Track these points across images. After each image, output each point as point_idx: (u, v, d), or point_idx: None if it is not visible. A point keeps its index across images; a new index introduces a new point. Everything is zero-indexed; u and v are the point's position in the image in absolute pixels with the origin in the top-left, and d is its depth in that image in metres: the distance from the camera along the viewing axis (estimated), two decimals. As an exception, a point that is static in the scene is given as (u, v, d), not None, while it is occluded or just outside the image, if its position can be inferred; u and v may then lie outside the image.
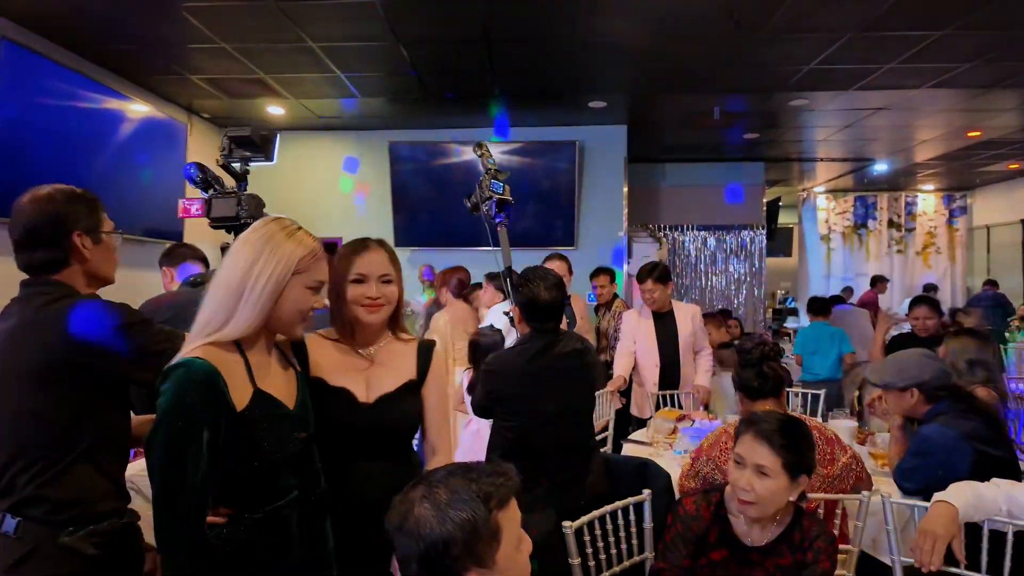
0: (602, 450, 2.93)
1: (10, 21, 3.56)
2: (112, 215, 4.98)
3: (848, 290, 8.10)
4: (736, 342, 3.73)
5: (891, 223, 9.25)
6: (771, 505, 1.44)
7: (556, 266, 4.03)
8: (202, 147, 5.56)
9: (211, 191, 2.12)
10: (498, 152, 5.69)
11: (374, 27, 3.70)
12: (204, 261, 2.80)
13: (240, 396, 1.18)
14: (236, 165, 2.17)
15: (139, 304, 2.50)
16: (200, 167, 2.07)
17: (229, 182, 2.37)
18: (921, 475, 1.88)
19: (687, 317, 3.66)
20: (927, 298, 3.93)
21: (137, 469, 2.22)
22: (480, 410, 2.18)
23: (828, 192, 9.25)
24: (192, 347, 1.17)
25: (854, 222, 9.26)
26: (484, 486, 0.93)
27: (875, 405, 2.55)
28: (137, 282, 4.75)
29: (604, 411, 3.52)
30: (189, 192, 5.22)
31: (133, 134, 4.46)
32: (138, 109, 4.53)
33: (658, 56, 4.20)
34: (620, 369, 3.68)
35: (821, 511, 1.74)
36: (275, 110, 5.29)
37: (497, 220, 2.97)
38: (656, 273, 3.61)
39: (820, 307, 4.93)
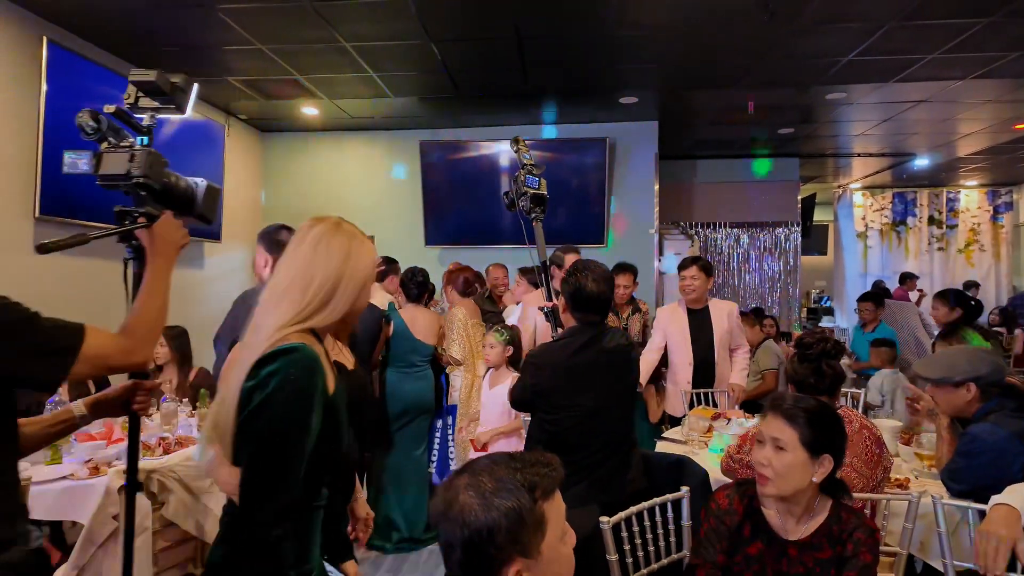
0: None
1: (55, 25, 3.68)
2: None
3: (880, 284, 7.83)
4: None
5: (932, 220, 8.97)
6: (788, 482, 1.40)
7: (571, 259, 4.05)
8: (240, 148, 5.68)
9: (105, 144, 1.66)
10: (531, 148, 5.68)
11: (407, 26, 3.72)
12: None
13: (328, 384, 1.18)
14: (143, 117, 1.67)
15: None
16: (94, 115, 1.64)
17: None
18: (970, 476, 1.82)
19: (723, 314, 3.61)
20: (944, 291, 4.28)
21: (179, 459, 2.28)
22: (520, 404, 2.16)
23: (865, 188, 9.02)
24: (285, 332, 1.15)
25: (892, 219, 9.00)
26: (529, 475, 0.92)
27: (918, 404, 2.47)
28: (177, 279, 4.86)
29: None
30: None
31: (172, 136, 4.57)
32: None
33: (690, 50, 4.14)
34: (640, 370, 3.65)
35: (868, 511, 1.69)
36: (309, 110, 5.37)
37: (531, 215, 2.99)
38: (701, 262, 3.59)
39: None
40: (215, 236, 5.09)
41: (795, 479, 1.40)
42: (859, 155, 7.22)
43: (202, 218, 1.54)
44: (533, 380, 2.07)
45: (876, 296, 5.16)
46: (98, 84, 3.89)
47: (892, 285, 8.12)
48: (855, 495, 1.53)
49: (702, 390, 3.53)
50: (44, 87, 3.47)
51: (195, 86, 1.62)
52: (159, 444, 2.48)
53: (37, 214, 3.51)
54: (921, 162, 7.38)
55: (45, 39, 3.48)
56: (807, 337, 1.97)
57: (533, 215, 2.91)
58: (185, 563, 2.26)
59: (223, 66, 4.38)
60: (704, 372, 3.56)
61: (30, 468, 2.26)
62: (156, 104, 1.64)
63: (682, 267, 3.62)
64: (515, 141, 3.06)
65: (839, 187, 8.94)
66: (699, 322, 3.61)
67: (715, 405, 3.47)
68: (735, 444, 2.00)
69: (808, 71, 4.54)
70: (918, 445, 2.44)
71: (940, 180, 8.67)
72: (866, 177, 8.42)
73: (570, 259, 4.16)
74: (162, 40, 3.96)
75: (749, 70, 4.50)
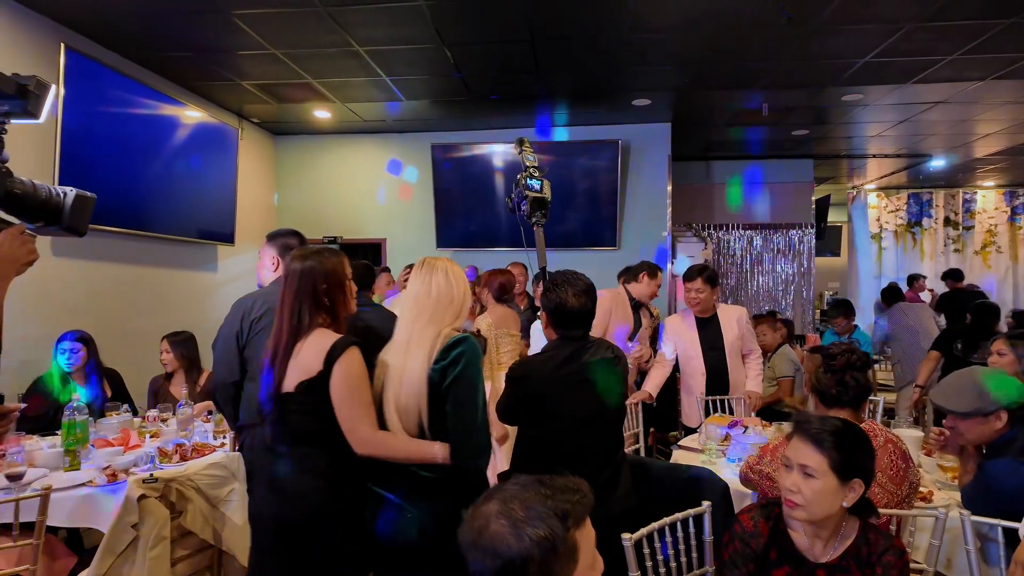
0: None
1: (73, 31, 3.71)
2: (167, 218, 5.15)
3: (893, 286, 7.72)
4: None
5: (947, 221, 8.85)
6: (818, 508, 1.37)
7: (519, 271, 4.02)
8: (253, 151, 5.70)
9: None
10: (540, 152, 5.66)
11: (420, 30, 3.72)
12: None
13: None
14: None
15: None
16: None
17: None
18: (987, 509, 1.74)
19: (732, 320, 3.55)
20: None
21: (198, 467, 2.28)
22: (505, 414, 2.09)
23: (880, 189, 8.92)
24: (451, 327, 1.73)
25: (907, 220, 8.89)
26: (561, 503, 0.90)
27: (942, 439, 2.25)
28: (193, 282, 4.92)
29: (631, 423, 3.46)
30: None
31: (187, 139, 4.59)
32: (192, 115, 4.66)
33: (705, 51, 4.11)
34: (650, 384, 3.61)
35: (893, 528, 1.66)
36: (322, 114, 5.37)
37: (532, 220, 2.85)
38: (707, 273, 3.53)
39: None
40: (228, 239, 5.11)
41: (826, 505, 1.37)
42: (874, 156, 7.15)
43: (71, 230, 1.38)
44: (519, 391, 2.00)
45: (846, 306, 5.03)
46: (114, 89, 3.91)
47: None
48: (881, 511, 1.50)
49: (717, 397, 3.49)
50: (62, 91, 3.49)
51: (51, 89, 1.39)
52: (176, 451, 2.49)
53: (54, 219, 3.53)
54: (937, 163, 7.29)
55: (63, 45, 3.51)
56: (833, 347, 1.92)
57: (533, 220, 2.78)
58: (202, 572, 2.27)
59: (237, 70, 4.39)
60: (717, 380, 3.53)
61: (50, 475, 2.27)
62: (5, 108, 1.45)
63: (687, 278, 3.56)
64: (519, 142, 2.94)
65: (853, 188, 8.85)
66: (709, 331, 3.55)
67: (731, 412, 3.44)
68: (755, 455, 1.97)
69: (824, 72, 4.49)
70: (941, 456, 2.40)
71: (956, 181, 8.56)
72: (881, 178, 8.33)
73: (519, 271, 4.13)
74: (177, 45, 3.97)
75: (764, 72, 4.46)
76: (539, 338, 3.61)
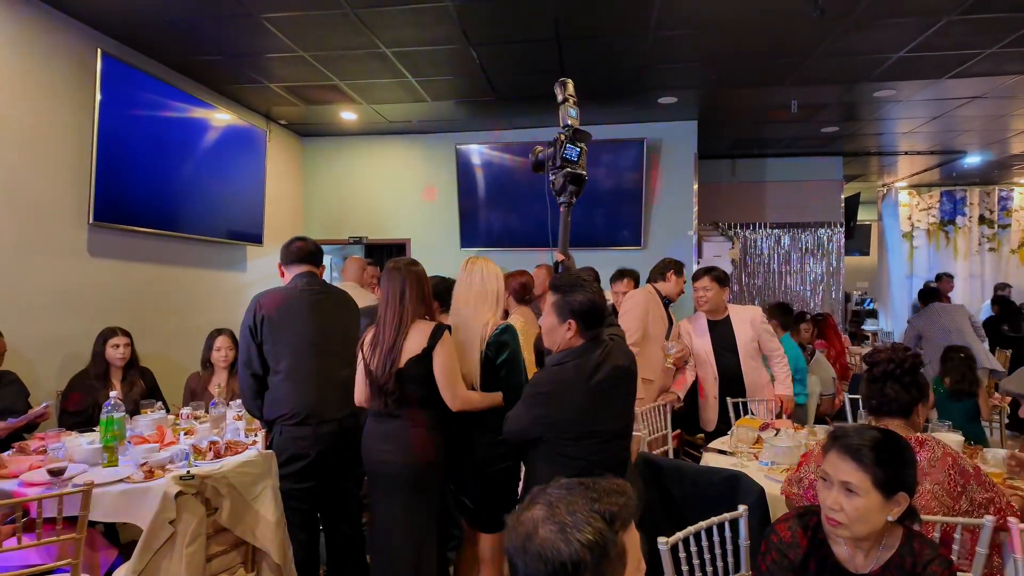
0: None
1: (109, 37, 3.79)
2: (198, 219, 5.24)
3: (929, 285, 7.52)
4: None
5: (982, 219, 8.62)
6: (863, 525, 1.32)
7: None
8: (281, 152, 5.77)
9: None
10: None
11: (446, 30, 3.73)
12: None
13: None
14: None
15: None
16: None
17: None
18: None
19: (745, 322, 3.47)
20: None
21: (232, 465, 2.31)
22: (521, 435, 1.95)
23: (911, 187, 8.72)
24: (495, 319, 2.33)
25: (940, 218, 8.68)
26: (608, 506, 0.89)
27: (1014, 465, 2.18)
28: (223, 282, 5.00)
29: (659, 424, 3.43)
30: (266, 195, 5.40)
31: (217, 141, 4.66)
32: (221, 117, 4.74)
33: (734, 49, 4.06)
34: (677, 386, 3.58)
35: (937, 535, 1.62)
36: (348, 115, 5.42)
37: (560, 199, 2.48)
38: (715, 272, 3.47)
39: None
40: (257, 240, 5.18)
41: (872, 522, 1.32)
42: (906, 153, 6.99)
43: None
44: (543, 411, 1.88)
45: (784, 310, 4.48)
46: (147, 93, 3.99)
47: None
48: (927, 517, 1.46)
49: (739, 399, 3.43)
50: (98, 97, 3.57)
51: None
52: (210, 448, 2.52)
53: (91, 220, 3.62)
54: (972, 160, 7.10)
55: (99, 51, 3.58)
56: (877, 354, 1.82)
57: (562, 200, 2.43)
58: (236, 567, 2.30)
59: (265, 73, 4.45)
60: (731, 383, 3.46)
61: (90, 471, 2.32)
62: None
63: (694, 278, 3.51)
64: (562, 85, 2.49)
65: (884, 186, 8.67)
66: (721, 333, 3.48)
67: (751, 414, 3.38)
68: (794, 472, 1.90)
69: (857, 68, 4.40)
70: (983, 461, 2.34)
71: (991, 178, 8.34)
72: (912, 175, 8.15)
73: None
74: (208, 49, 4.04)
75: (794, 68, 4.39)
76: None
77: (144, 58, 4.09)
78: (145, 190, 3.99)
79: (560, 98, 2.47)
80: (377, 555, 2.35)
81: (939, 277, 7.35)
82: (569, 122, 2.44)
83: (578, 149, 2.43)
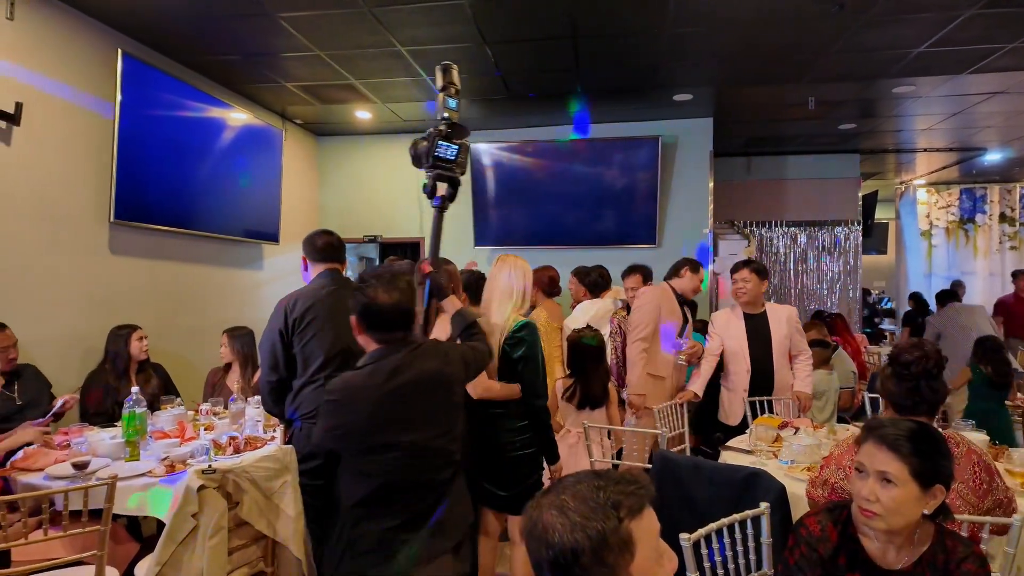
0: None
1: (129, 38, 3.83)
2: (215, 217, 5.28)
3: (959, 284, 7.42)
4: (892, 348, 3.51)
5: (1003, 217, 8.48)
6: (899, 517, 1.30)
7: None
8: (297, 151, 5.81)
9: None
10: (578, 149, 5.63)
11: (461, 28, 3.73)
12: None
13: None
14: None
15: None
16: None
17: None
18: None
19: (781, 319, 3.49)
20: None
21: (252, 460, 2.34)
22: (319, 449, 1.83)
23: (930, 184, 8.61)
24: (517, 313, 2.43)
25: (960, 216, 8.55)
26: (613, 494, 0.89)
27: None
28: (239, 280, 5.04)
29: (677, 422, 3.42)
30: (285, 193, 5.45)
31: (234, 140, 4.70)
32: (238, 116, 4.78)
33: (750, 45, 4.03)
34: (696, 383, 3.57)
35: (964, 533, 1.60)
36: (363, 114, 5.45)
37: (435, 202, 2.21)
38: (754, 264, 3.50)
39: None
40: (273, 238, 5.22)
41: (907, 514, 1.30)
42: (925, 150, 6.91)
43: None
44: (334, 421, 1.67)
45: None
46: (166, 93, 4.03)
47: (968, 285, 7.73)
48: (956, 517, 1.44)
49: (762, 398, 3.41)
50: (119, 97, 3.61)
51: None
52: (229, 443, 2.55)
53: (112, 219, 3.67)
54: (992, 157, 7.00)
55: (120, 51, 3.63)
56: (906, 354, 1.78)
57: (435, 204, 2.18)
58: (257, 561, 2.32)
59: (282, 72, 4.48)
60: (762, 379, 3.46)
61: (112, 465, 2.35)
62: None
63: (733, 270, 3.54)
64: (444, 70, 2.12)
65: (901, 183, 8.57)
66: (756, 327, 3.50)
67: (773, 413, 3.36)
68: (816, 475, 1.88)
69: (875, 64, 4.35)
70: (1008, 460, 2.30)
71: (1013, 175, 8.21)
72: (931, 173, 8.04)
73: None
74: (225, 48, 4.07)
75: (812, 65, 4.35)
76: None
77: (163, 58, 4.14)
78: (164, 189, 4.03)
79: (440, 84, 2.11)
80: None
81: (955, 284, 7.30)
82: (446, 114, 2.10)
83: (456, 147, 2.12)
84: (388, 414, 1.64)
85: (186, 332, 4.36)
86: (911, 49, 4.05)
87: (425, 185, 2.17)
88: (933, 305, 6.67)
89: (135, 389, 2.61)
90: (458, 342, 2.10)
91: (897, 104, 5.25)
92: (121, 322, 3.44)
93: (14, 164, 3.18)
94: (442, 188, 2.18)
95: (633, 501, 0.91)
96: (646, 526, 0.92)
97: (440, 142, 2.09)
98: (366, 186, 6.17)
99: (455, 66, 2.14)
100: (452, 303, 2.22)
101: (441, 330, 2.36)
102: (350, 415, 1.65)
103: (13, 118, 3.12)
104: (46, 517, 1.94)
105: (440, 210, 2.20)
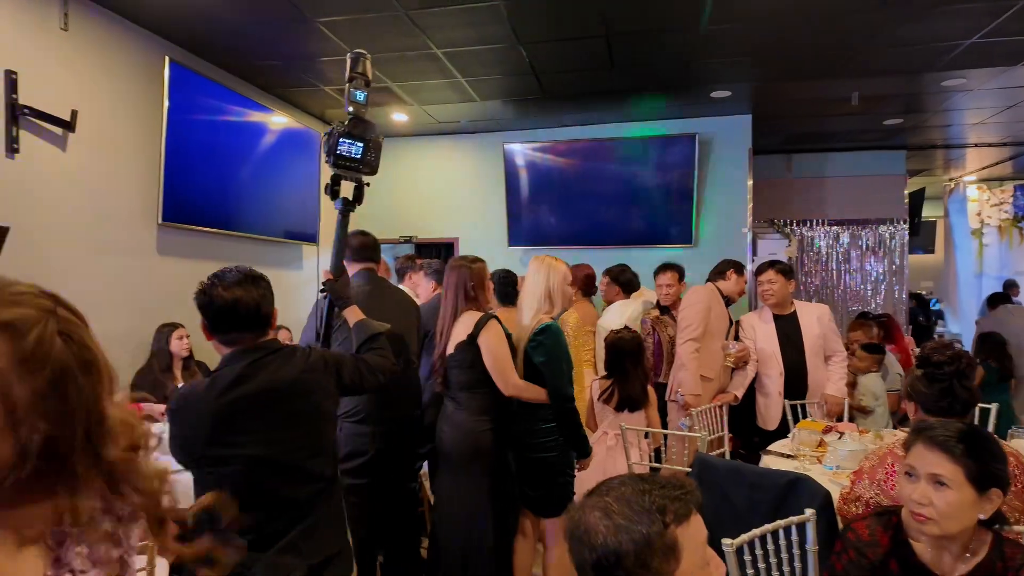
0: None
1: (175, 45, 3.96)
2: (256, 218, 5.39)
3: (1012, 285, 7.12)
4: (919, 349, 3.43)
5: (1060, 214, 8.11)
6: (953, 522, 1.25)
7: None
8: (331, 154, 5.91)
9: None
10: (612, 148, 5.59)
11: (496, 29, 3.74)
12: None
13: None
14: None
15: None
16: None
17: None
18: None
19: (812, 318, 3.40)
20: None
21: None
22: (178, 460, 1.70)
23: (981, 181, 8.28)
24: (541, 316, 2.52)
25: (1013, 214, 8.20)
26: (658, 498, 0.88)
27: None
28: (279, 281, 5.15)
29: (716, 426, 3.36)
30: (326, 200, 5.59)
31: (274, 143, 4.81)
32: (278, 120, 4.89)
33: (791, 40, 3.93)
34: (736, 385, 3.50)
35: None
36: (399, 117, 5.51)
37: (337, 205, 2.05)
38: (780, 265, 3.43)
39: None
40: (312, 239, 5.32)
41: (962, 519, 1.26)
42: (975, 146, 6.64)
43: None
44: (173, 431, 1.58)
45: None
46: (210, 98, 4.15)
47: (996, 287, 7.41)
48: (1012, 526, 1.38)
49: (796, 401, 3.33)
50: (166, 103, 3.73)
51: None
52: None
53: (160, 221, 3.79)
54: (1049, 151, 6.69)
55: (167, 59, 3.75)
56: (937, 354, 1.73)
57: (338, 206, 2.02)
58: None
59: (320, 76, 4.56)
60: (795, 381, 3.37)
61: (161, 459, 2.43)
62: None
63: (759, 272, 3.49)
64: (354, 60, 1.93)
65: (951, 180, 8.25)
66: (787, 328, 3.42)
67: (806, 416, 3.28)
68: (848, 491, 1.82)
69: (923, 57, 4.20)
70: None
71: (1071, 170, 7.84)
72: (982, 169, 7.73)
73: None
74: (266, 54, 4.17)
75: (855, 59, 4.23)
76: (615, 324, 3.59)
77: (207, 64, 4.26)
78: (208, 191, 4.15)
79: (347, 75, 1.94)
80: (435, 523, 2.57)
81: (1007, 285, 7.00)
82: (351, 108, 1.93)
83: (361, 145, 1.94)
84: (227, 425, 1.51)
85: (229, 331, 4.47)
86: (961, 41, 3.90)
87: (327, 186, 2.02)
88: (977, 306, 6.43)
89: (179, 385, 2.70)
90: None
91: (946, 98, 5.06)
92: (169, 320, 3.55)
93: (70, 169, 3.32)
94: (348, 189, 2.00)
95: (679, 506, 0.90)
96: (692, 533, 0.91)
97: (341, 139, 1.92)
98: (402, 187, 6.23)
99: (367, 56, 1.99)
100: (353, 313, 2.04)
101: (458, 332, 2.45)
102: (185, 426, 1.56)
103: (69, 125, 3.25)
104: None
105: (343, 213, 2.03)
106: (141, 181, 3.74)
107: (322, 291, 2.04)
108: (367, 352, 1.90)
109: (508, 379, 2.40)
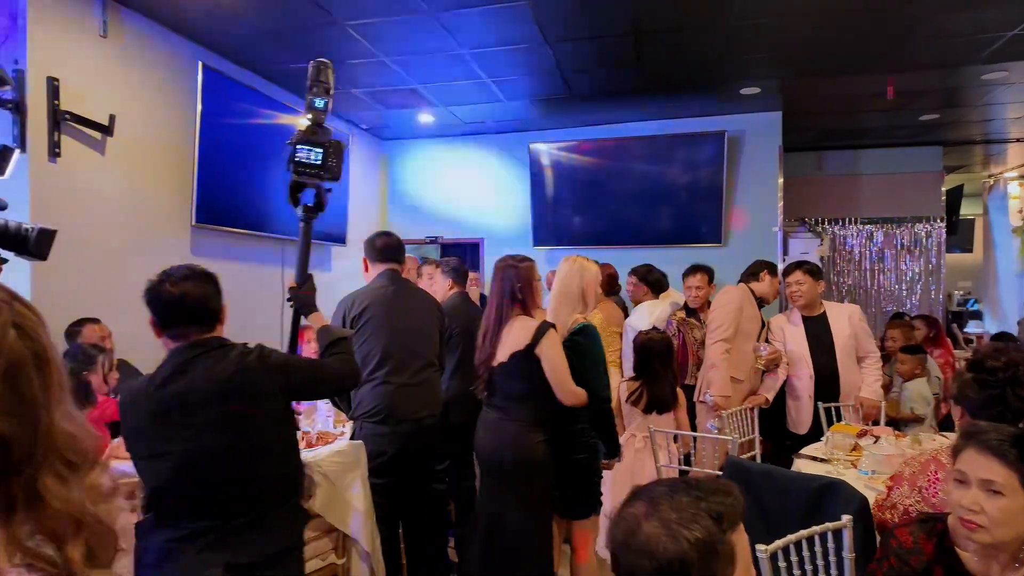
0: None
1: (207, 49, 4.04)
2: (286, 220, 5.44)
3: None
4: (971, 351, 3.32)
5: (1107, 212, 7.80)
6: (1007, 529, 1.21)
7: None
8: (362, 156, 5.98)
9: None
10: (641, 147, 5.54)
11: (523, 30, 3.74)
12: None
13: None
14: None
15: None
16: None
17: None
18: None
19: (843, 318, 3.33)
20: None
21: (326, 454, 2.41)
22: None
23: (1022, 178, 8.01)
24: (576, 316, 2.46)
25: (1057, 211, 7.92)
26: (714, 505, 0.87)
27: None
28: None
29: (746, 428, 3.30)
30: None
31: (303, 146, 4.86)
32: (306, 123, 4.93)
33: (821, 34, 3.85)
34: (767, 387, 3.44)
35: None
36: (426, 118, 5.54)
37: (298, 213, 2.04)
38: (807, 266, 3.36)
39: None
40: (341, 240, 5.38)
41: (1016, 526, 1.22)
42: (1017, 141, 6.43)
43: (35, 256, 1.58)
44: (123, 424, 1.65)
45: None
46: (241, 102, 4.22)
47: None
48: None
49: (830, 404, 3.26)
50: (199, 107, 3.81)
51: (15, 152, 1.52)
52: (302, 438, 2.64)
53: (193, 222, 3.87)
54: (1096, 146, 6.44)
55: (200, 63, 3.82)
56: (991, 359, 1.66)
57: (300, 215, 1.99)
58: (328, 552, 2.40)
59: (348, 79, 4.61)
60: (827, 383, 3.30)
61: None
62: None
63: (786, 273, 3.43)
64: (317, 68, 1.95)
65: (990, 177, 8.00)
66: (817, 329, 3.35)
67: (840, 419, 3.21)
68: (884, 497, 1.76)
69: (961, 50, 4.08)
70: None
71: (1119, 166, 7.54)
72: (1023, 165, 7.48)
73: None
74: (296, 57, 4.22)
75: (889, 53, 4.12)
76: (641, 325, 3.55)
77: (238, 68, 4.33)
78: (239, 193, 4.23)
79: (308, 82, 1.96)
80: (484, 536, 2.45)
81: None
82: (310, 115, 1.95)
83: (320, 151, 1.93)
84: (163, 420, 1.53)
85: (261, 330, 4.54)
86: (1004, 32, 3.78)
87: (289, 192, 2.02)
88: (1018, 307, 6.21)
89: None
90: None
91: (986, 92, 4.91)
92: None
93: (108, 173, 3.41)
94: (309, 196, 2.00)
95: (733, 513, 0.89)
96: (742, 539, 0.91)
97: (299, 146, 1.94)
98: (428, 188, 6.28)
99: (330, 65, 2.00)
100: (317, 319, 2.02)
101: (511, 340, 2.32)
102: (128, 419, 1.61)
103: (108, 129, 3.34)
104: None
105: (304, 220, 2.01)
106: (175, 183, 3.82)
107: (288, 299, 2.02)
108: (329, 357, 1.88)
109: (570, 388, 2.28)
